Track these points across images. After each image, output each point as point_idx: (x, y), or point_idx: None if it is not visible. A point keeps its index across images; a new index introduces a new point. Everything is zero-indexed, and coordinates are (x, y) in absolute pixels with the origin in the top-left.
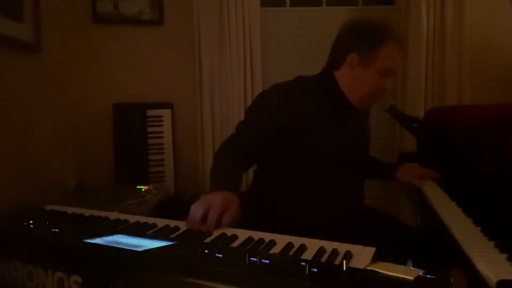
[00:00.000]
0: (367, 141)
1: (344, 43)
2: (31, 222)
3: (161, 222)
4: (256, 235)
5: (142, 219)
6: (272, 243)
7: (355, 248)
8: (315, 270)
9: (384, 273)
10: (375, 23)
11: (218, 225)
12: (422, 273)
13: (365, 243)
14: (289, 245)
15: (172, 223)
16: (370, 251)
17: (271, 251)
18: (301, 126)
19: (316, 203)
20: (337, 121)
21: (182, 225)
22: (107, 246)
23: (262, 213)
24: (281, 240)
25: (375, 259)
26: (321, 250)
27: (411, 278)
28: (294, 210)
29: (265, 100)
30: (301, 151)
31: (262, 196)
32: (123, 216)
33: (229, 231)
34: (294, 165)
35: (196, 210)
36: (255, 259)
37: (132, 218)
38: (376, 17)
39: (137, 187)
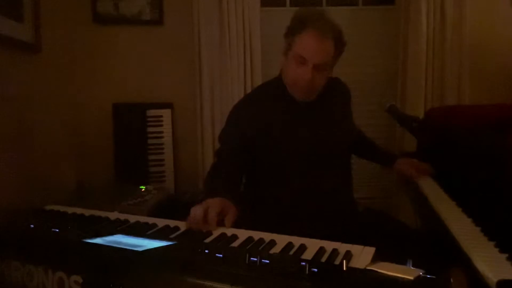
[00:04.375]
0: (340, 133)
1: None
2: (31, 222)
3: (161, 222)
4: (256, 235)
5: (142, 219)
6: (272, 243)
7: (355, 248)
8: (315, 270)
9: (384, 273)
10: (300, 13)
11: (219, 224)
12: (422, 273)
13: (365, 243)
14: (289, 245)
15: (172, 223)
16: (370, 251)
17: (271, 251)
18: (267, 132)
19: (300, 201)
20: (297, 119)
21: (182, 225)
22: (107, 246)
23: (253, 219)
24: (281, 240)
25: (375, 259)
26: (321, 250)
27: (411, 278)
28: (284, 214)
29: (231, 121)
30: (267, 157)
31: (253, 204)
32: (123, 216)
33: (229, 231)
34: (267, 170)
35: (196, 210)
36: (255, 259)
37: (132, 218)
38: (312, 8)
39: (137, 187)
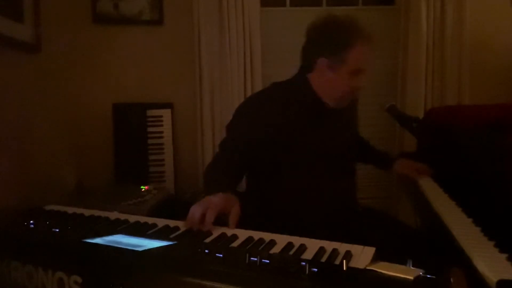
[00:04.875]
0: (351, 137)
1: (312, 48)
2: (31, 222)
3: (161, 222)
4: (256, 235)
5: (142, 219)
6: (272, 243)
7: (355, 248)
8: (315, 270)
9: (384, 273)
10: (340, 24)
11: (220, 223)
12: (422, 273)
13: (365, 243)
14: (289, 245)
15: (172, 223)
16: (370, 251)
17: (271, 251)
18: (280, 133)
19: (308, 204)
20: (315, 123)
21: (182, 225)
22: (107, 246)
23: (256, 219)
24: (281, 240)
25: (375, 259)
26: (321, 250)
27: (411, 278)
28: (287, 214)
29: (241, 114)
30: (283, 157)
31: (256, 203)
32: (123, 216)
33: (229, 231)
34: (280, 170)
35: (195, 210)
36: (255, 259)
37: (132, 218)
38: (342, 15)
39: (137, 187)
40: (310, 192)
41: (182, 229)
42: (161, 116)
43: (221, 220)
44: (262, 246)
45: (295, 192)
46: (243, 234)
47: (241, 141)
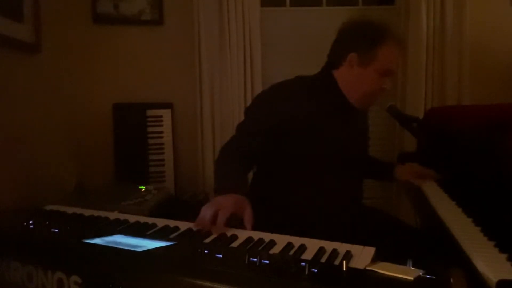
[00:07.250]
0: (365, 141)
1: (344, 42)
2: (31, 222)
3: (161, 222)
4: (256, 235)
5: (142, 219)
6: (272, 243)
7: (355, 248)
8: (315, 270)
9: (384, 273)
10: (375, 23)
11: (228, 225)
12: (422, 273)
13: (365, 243)
14: (289, 245)
15: (172, 223)
16: (370, 251)
17: (271, 251)
18: (300, 126)
19: (315, 202)
20: (336, 121)
21: (182, 225)
22: (107, 246)
23: (262, 213)
24: (281, 240)
25: (375, 259)
26: (321, 250)
27: (411, 278)
28: (293, 210)
29: (263, 100)
30: (299, 151)
31: (262, 197)
32: (123, 216)
33: (229, 231)
34: (293, 164)
35: (206, 212)
36: (255, 259)
37: (132, 218)
38: (376, 17)
39: (137, 187)
40: (320, 189)
41: (182, 229)
42: (161, 116)
43: (231, 221)
44: (262, 246)
45: (305, 188)
46: (243, 234)
47: (259, 126)
